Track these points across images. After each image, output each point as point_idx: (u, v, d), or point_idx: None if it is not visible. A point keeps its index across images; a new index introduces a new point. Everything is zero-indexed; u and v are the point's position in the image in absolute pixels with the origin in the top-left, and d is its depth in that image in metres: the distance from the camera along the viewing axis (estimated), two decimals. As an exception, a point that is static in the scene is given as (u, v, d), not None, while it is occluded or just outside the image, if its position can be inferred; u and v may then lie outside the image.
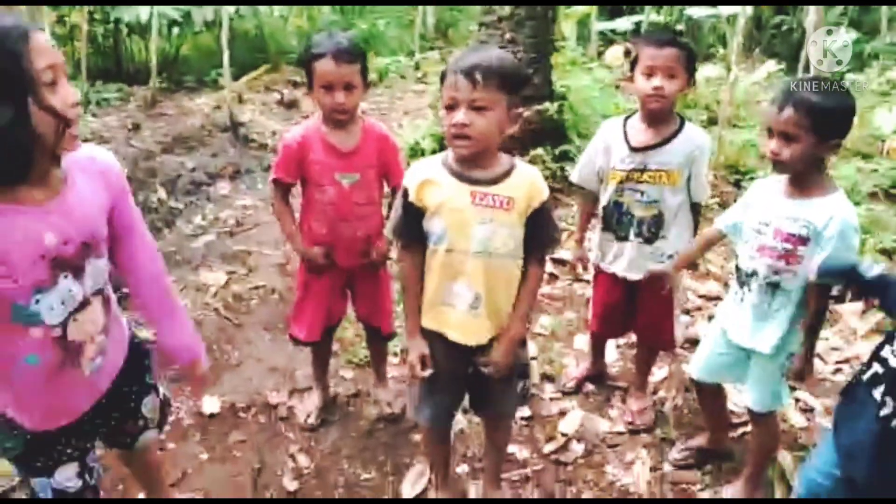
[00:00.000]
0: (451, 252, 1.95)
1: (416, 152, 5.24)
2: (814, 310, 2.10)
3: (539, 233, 1.99)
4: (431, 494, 2.46)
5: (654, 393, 3.06)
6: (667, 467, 2.63)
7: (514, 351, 2.06)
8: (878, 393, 1.69)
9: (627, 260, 2.65)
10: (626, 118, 2.62)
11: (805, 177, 2.04)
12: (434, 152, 5.03)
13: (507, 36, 5.07)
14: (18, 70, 1.31)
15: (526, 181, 1.95)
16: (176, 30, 8.70)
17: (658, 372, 3.18)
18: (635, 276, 2.64)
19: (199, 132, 6.42)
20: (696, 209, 2.63)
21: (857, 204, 4.74)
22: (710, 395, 2.53)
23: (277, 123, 7.24)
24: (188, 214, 5.08)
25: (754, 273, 2.17)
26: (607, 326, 2.90)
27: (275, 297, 3.92)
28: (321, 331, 2.75)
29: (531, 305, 2.08)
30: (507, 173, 1.95)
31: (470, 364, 2.08)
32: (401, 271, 2.10)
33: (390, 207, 2.22)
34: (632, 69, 2.49)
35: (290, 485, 2.55)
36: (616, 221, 2.64)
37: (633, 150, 2.54)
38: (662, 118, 2.51)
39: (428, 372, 2.07)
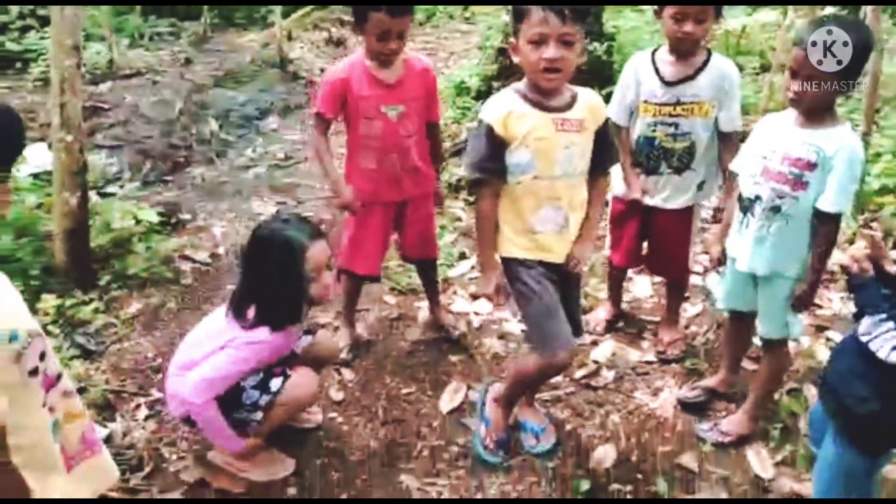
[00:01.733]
0: (537, 179, 2.08)
1: (461, 91, 5.29)
2: (823, 238, 2.16)
3: (605, 148, 2.18)
4: (483, 405, 2.59)
5: (687, 328, 3.15)
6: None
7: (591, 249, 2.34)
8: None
9: (662, 191, 2.73)
10: (654, 51, 2.66)
11: (818, 111, 2.09)
12: (480, 91, 5.08)
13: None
14: (294, 271, 2.13)
15: (591, 102, 2.12)
16: (227, -34, 8.76)
17: (691, 308, 3.27)
18: (670, 205, 2.73)
19: (248, 67, 6.54)
20: (730, 138, 2.64)
21: (907, 154, 4.66)
22: (736, 328, 2.60)
23: (325, 61, 7.31)
24: (239, 147, 5.25)
25: (757, 198, 2.21)
26: (628, 258, 2.96)
27: (322, 228, 4.06)
28: (380, 265, 2.90)
29: (601, 214, 2.33)
30: (574, 98, 2.09)
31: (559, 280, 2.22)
32: (480, 206, 2.19)
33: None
34: (659, 3, 2.51)
35: (336, 395, 2.73)
36: (646, 156, 2.70)
37: (666, 84, 2.59)
38: (691, 51, 2.57)
39: (503, 300, 2.24)
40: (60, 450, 1.39)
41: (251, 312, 2.18)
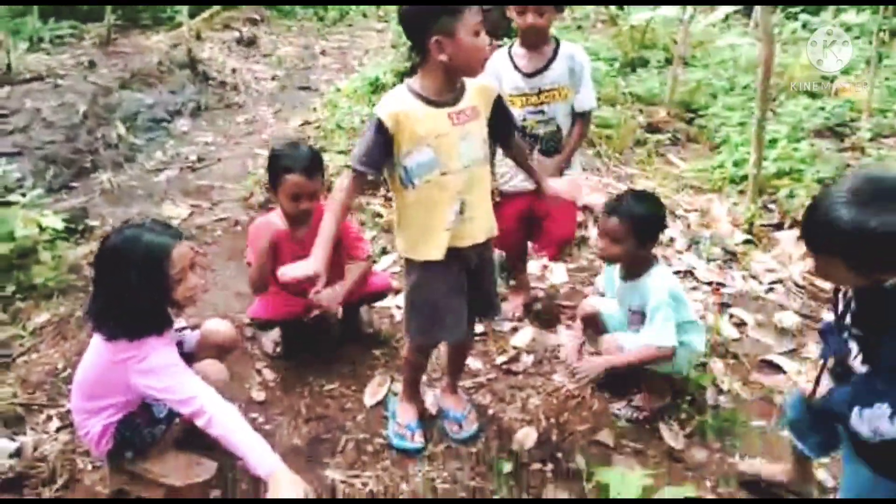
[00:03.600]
0: (445, 175, 2.09)
1: (377, 88, 5.30)
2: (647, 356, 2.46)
3: (505, 119, 2.27)
4: (392, 402, 2.63)
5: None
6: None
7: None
8: None
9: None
10: (510, 47, 2.88)
11: (631, 263, 2.53)
12: (394, 87, 5.10)
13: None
14: (160, 277, 2.01)
15: (477, 85, 2.15)
16: (130, -35, 8.47)
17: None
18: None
19: (157, 69, 6.35)
20: (583, 117, 2.89)
21: (800, 140, 4.96)
22: None
23: (236, 61, 7.20)
24: (149, 150, 5.11)
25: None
26: (513, 243, 3.14)
27: (238, 229, 4.00)
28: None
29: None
30: (462, 87, 2.11)
31: (466, 265, 2.25)
32: (338, 191, 2.08)
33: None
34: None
35: (258, 395, 2.71)
36: None
37: (527, 75, 2.81)
38: (542, 42, 2.79)
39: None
40: None
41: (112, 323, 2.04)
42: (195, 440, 2.32)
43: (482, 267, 2.31)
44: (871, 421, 1.57)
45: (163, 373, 2.03)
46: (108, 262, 2.04)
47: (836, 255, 1.54)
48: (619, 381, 2.75)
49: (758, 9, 4.12)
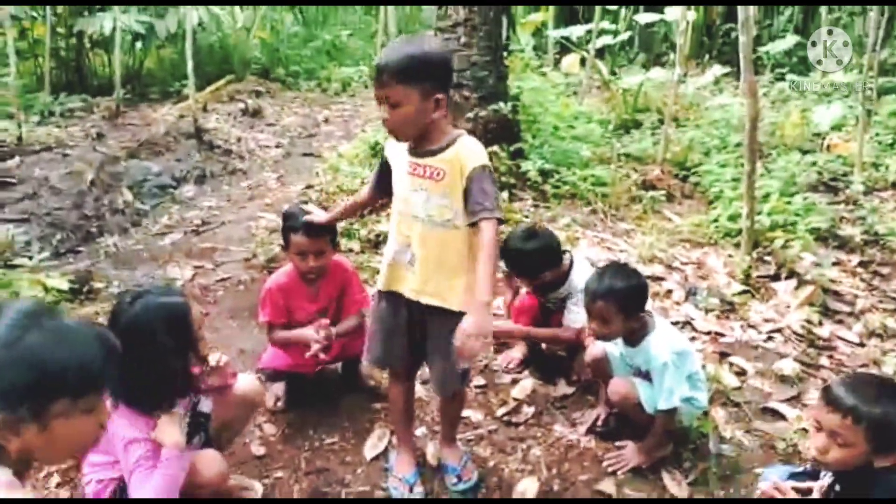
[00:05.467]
0: (402, 214, 2.19)
1: (376, 151, 5.44)
2: (660, 426, 2.57)
3: (471, 196, 2.04)
4: (392, 455, 2.62)
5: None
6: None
7: (487, 315, 1.98)
8: None
9: None
10: None
11: (629, 333, 2.55)
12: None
13: (462, 40, 5.30)
14: (189, 335, 2.06)
15: (457, 153, 2.06)
16: (139, 43, 8.80)
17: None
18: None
19: (164, 139, 6.53)
20: None
21: (793, 194, 5.04)
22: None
23: (242, 131, 7.39)
24: (154, 215, 5.21)
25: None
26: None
27: (241, 288, 4.05)
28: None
29: (490, 268, 1.99)
30: (446, 146, 2.08)
31: (409, 314, 2.27)
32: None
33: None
34: None
35: (258, 450, 2.70)
36: None
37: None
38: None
39: None
40: None
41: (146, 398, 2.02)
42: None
43: (429, 333, 2.27)
44: None
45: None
46: (131, 334, 1.92)
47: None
48: (622, 430, 2.75)
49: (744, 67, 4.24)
